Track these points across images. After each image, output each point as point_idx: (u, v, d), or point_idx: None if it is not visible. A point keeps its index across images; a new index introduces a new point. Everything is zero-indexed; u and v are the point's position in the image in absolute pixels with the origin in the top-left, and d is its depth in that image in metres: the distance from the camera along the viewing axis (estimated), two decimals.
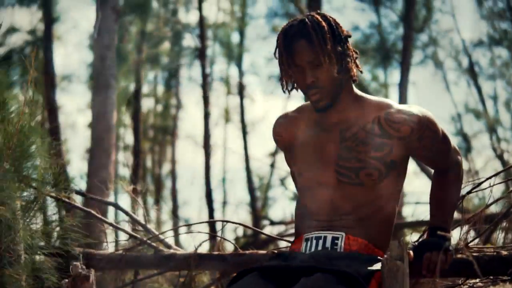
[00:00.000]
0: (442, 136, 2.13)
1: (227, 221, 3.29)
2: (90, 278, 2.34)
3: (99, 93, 7.60)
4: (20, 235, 2.63)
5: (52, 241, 2.83)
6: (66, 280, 2.36)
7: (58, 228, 2.88)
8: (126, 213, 3.47)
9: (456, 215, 2.36)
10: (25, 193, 2.81)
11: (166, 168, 17.13)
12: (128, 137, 16.02)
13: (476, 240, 2.74)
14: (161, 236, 3.30)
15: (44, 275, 2.69)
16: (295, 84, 2.11)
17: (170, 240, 3.39)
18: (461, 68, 14.37)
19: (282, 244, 3.82)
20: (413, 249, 2.06)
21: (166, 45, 14.73)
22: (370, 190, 2.08)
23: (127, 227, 3.46)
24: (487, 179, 2.76)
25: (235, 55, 14.63)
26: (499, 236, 2.68)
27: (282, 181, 14.44)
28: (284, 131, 2.25)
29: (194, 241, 3.12)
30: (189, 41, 15.40)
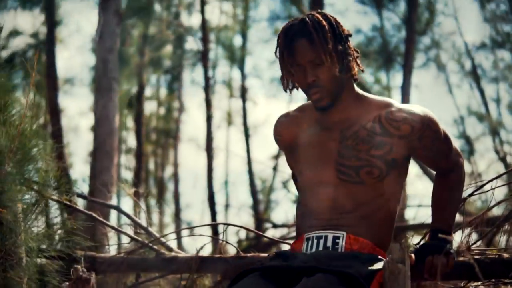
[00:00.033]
0: (443, 136, 2.12)
1: (229, 224, 3.28)
2: (91, 281, 2.34)
3: (101, 96, 7.62)
4: (21, 238, 2.63)
5: (53, 244, 2.83)
6: (67, 283, 2.36)
7: (59, 231, 2.88)
8: (128, 216, 3.47)
9: (458, 217, 2.35)
10: (26, 196, 2.81)
11: (168, 171, 17.18)
12: (131, 140, 16.09)
13: (478, 243, 2.73)
14: (163, 239, 3.30)
15: (46, 278, 2.69)
16: (296, 84, 2.11)
17: (173, 243, 3.39)
18: (463, 71, 14.39)
19: (285, 247, 3.82)
20: (414, 252, 2.06)
21: (168, 48, 14.76)
22: (371, 189, 2.07)
23: (129, 230, 3.46)
24: (489, 181, 2.74)
25: (237, 58, 14.64)
26: (501, 239, 2.67)
27: (285, 184, 14.40)
28: (285, 130, 2.25)
29: (196, 244, 3.12)
30: (192, 44, 15.40)
